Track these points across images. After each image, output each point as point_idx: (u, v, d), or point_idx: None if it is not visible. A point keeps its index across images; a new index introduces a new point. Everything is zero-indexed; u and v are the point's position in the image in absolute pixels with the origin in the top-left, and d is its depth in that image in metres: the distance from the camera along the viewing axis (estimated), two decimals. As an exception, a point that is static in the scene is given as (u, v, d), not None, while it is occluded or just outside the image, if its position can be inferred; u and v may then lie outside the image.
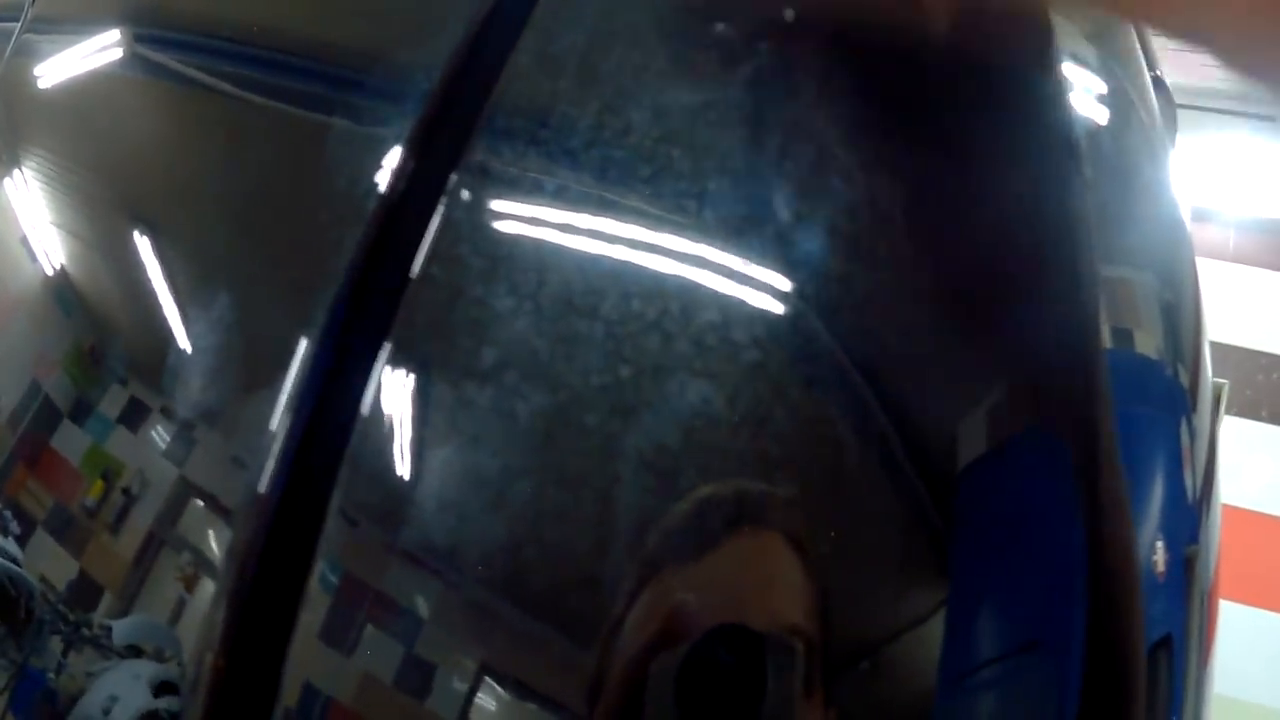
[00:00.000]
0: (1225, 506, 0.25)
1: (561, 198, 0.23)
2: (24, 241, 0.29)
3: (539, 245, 0.23)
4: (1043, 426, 0.22)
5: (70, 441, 0.26)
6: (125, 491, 0.25)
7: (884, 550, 0.21)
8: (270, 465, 0.22)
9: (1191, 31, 0.19)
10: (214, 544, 0.24)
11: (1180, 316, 0.25)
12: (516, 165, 0.23)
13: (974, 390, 0.22)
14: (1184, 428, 0.23)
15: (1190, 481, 0.23)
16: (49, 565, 0.26)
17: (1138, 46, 0.28)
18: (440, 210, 0.23)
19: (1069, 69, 0.24)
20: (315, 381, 0.23)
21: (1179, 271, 0.25)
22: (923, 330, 0.22)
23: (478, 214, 0.23)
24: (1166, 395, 0.23)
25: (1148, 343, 0.23)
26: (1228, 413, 2.44)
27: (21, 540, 0.26)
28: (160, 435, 0.25)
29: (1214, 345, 0.27)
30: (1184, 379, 0.24)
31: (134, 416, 0.25)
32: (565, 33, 0.24)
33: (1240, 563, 2.17)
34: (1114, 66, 0.26)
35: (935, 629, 0.20)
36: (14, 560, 0.26)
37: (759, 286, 0.22)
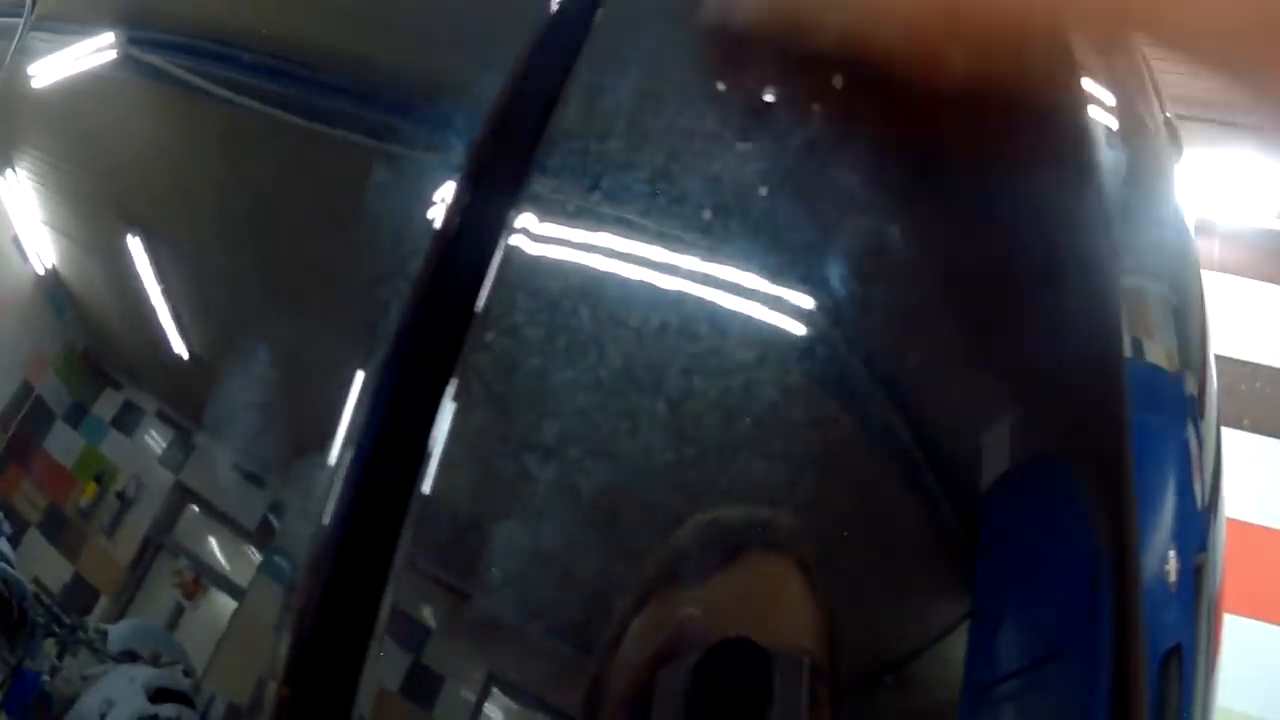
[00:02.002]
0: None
1: (618, 239, 0.23)
2: (24, 241, 0.29)
3: (602, 282, 0.23)
4: (1066, 440, 0.22)
5: (63, 444, 0.26)
6: (120, 495, 0.25)
7: (906, 566, 0.21)
8: (333, 498, 0.22)
9: (1180, 40, 0.19)
10: (221, 556, 0.24)
11: (1188, 322, 0.25)
12: (574, 203, 0.23)
13: (997, 405, 0.22)
14: (1193, 434, 0.23)
15: (1199, 489, 0.23)
16: (42, 567, 0.26)
17: (1141, 58, 0.29)
18: (502, 244, 0.23)
19: (1081, 80, 0.24)
20: (376, 414, 0.22)
21: (1186, 277, 0.26)
22: (943, 347, 0.22)
23: (540, 249, 0.23)
24: (1176, 402, 0.23)
25: (1158, 350, 0.23)
26: (1211, 421, 2.45)
27: (14, 541, 0.26)
28: (156, 440, 0.25)
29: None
30: (1192, 386, 0.24)
31: (129, 421, 0.25)
32: (614, 81, 0.24)
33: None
34: (1122, 78, 0.26)
35: (958, 644, 0.20)
36: (7, 561, 0.26)
37: (782, 309, 0.22)
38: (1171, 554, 0.21)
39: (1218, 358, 0.26)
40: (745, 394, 0.21)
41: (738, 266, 0.22)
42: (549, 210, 0.23)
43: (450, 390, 0.22)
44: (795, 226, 0.23)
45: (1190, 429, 0.23)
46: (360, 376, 0.23)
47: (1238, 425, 2.55)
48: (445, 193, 0.24)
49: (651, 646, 0.20)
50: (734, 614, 0.21)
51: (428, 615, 0.22)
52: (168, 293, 0.26)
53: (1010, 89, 0.23)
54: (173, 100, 0.29)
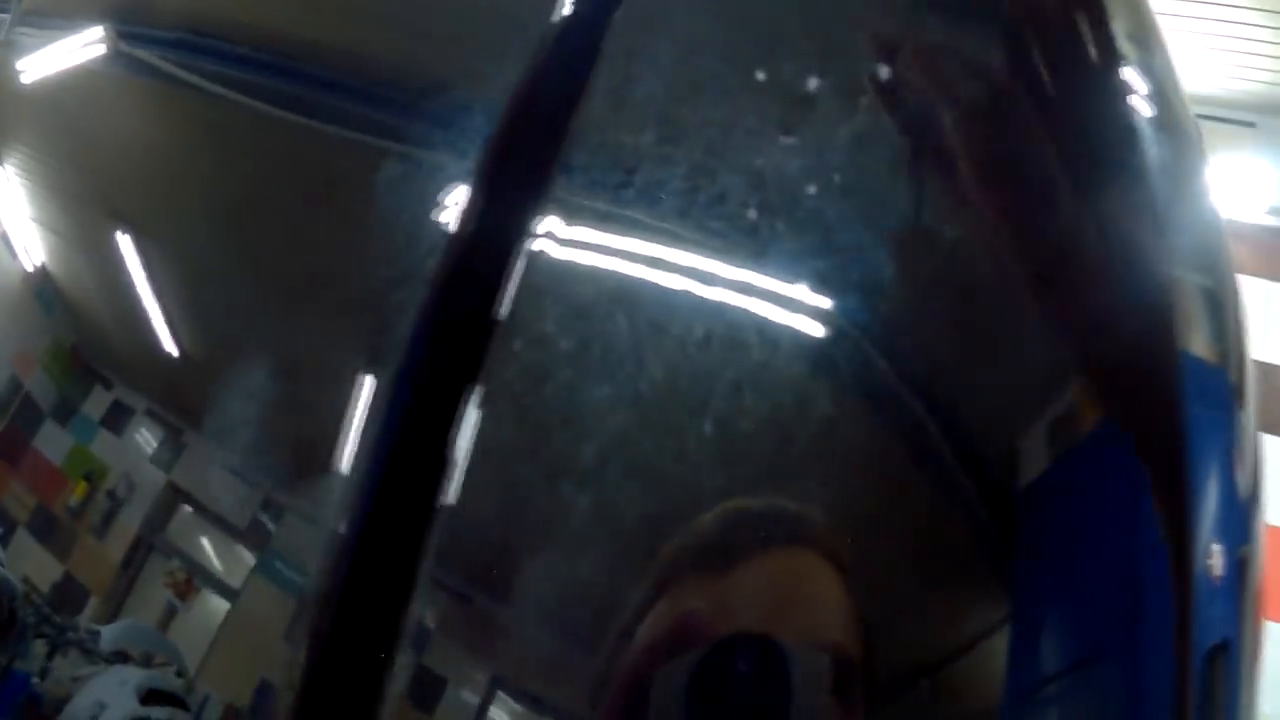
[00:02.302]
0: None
1: (648, 243, 0.22)
2: (12, 237, 0.28)
3: (635, 288, 0.22)
4: (1126, 433, 0.21)
5: (52, 442, 0.26)
6: (111, 494, 0.25)
7: (945, 566, 0.21)
8: (348, 505, 0.21)
9: None
10: (216, 558, 0.23)
11: (1227, 313, 0.24)
12: (603, 203, 0.22)
13: (1049, 400, 0.21)
14: (1235, 425, 0.23)
15: (1243, 480, 0.23)
16: (32, 567, 0.25)
17: (1168, 47, 0.28)
18: (524, 249, 0.22)
19: (1124, 70, 0.24)
20: (393, 421, 0.22)
21: (1224, 269, 0.25)
22: (987, 337, 0.22)
23: (563, 254, 0.22)
24: (1221, 394, 0.23)
25: (1202, 342, 0.23)
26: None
27: (3, 541, 0.26)
28: (148, 440, 0.24)
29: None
30: (1235, 376, 0.24)
31: (119, 419, 0.25)
32: (642, 76, 0.23)
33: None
34: (1157, 66, 0.25)
35: (998, 647, 0.20)
36: (-3, 560, 0.25)
37: (829, 314, 0.21)
38: (1218, 547, 0.21)
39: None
40: (787, 398, 0.21)
41: (784, 269, 0.22)
42: (576, 212, 0.22)
43: (474, 399, 0.21)
44: (844, 227, 0.22)
45: (1234, 420, 0.23)
46: (373, 382, 0.22)
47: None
48: (460, 194, 0.23)
49: (670, 641, 0.20)
50: (759, 610, 0.20)
51: (452, 625, 0.21)
52: (160, 291, 0.25)
53: (1059, 77, 0.22)
54: (166, 96, 0.28)
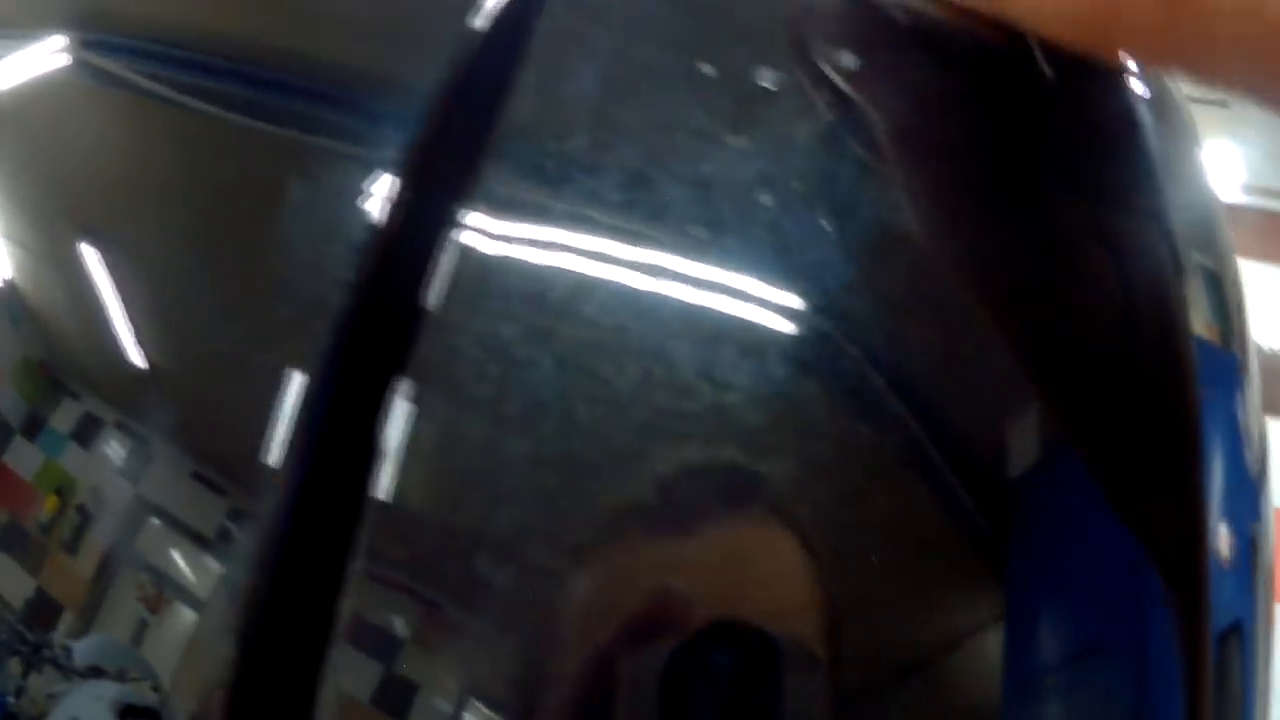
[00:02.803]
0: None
1: (579, 234, 0.22)
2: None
3: (560, 282, 0.21)
4: (1137, 415, 0.21)
5: (22, 457, 0.25)
6: (80, 509, 0.24)
7: (933, 557, 0.20)
8: (278, 500, 0.21)
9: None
10: (182, 566, 0.23)
11: (1227, 289, 0.24)
12: (530, 199, 0.22)
13: (1053, 382, 0.21)
14: (1240, 404, 0.23)
15: (1250, 458, 0.23)
16: (4, 583, 0.25)
17: None
18: (452, 239, 0.22)
19: None
20: (318, 415, 0.21)
21: (1221, 244, 0.25)
22: (977, 319, 0.21)
23: (492, 245, 0.22)
24: (1225, 373, 0.23)
25: (1201, 320, 0.22)
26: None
27: None
28: (115, 452, 0.24)
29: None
30: (1238, 354, 0.24)
31: (88, 433, 0.24)
32: (577, 64, 0.23)
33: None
34: None
35: (995, 638, 0.19)
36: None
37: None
38: (1228, 528, 0.21)
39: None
40: (737, 379, 0.20)
41: (729, 255, 0.21)
42: (505, 203, 0.22)
43: (403, 390, 0.21)
44: (801, 212, 0.21)
45: (1238, 398, 0.23)
46: (302, 378, 0.22)
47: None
48: (387, 186, 0.22)
49: (625, 626, 0.19)
50: (727, 590, 0.19)
51: (387, 619, 0.21)
52: (119, 300, 0.25)
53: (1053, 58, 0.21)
54: (117, 104, 0.28)
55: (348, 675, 0.20)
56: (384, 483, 0.20)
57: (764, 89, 0.22)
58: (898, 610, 0.20)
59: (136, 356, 0.24)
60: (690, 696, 0.19)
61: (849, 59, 0.22)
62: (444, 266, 0.21)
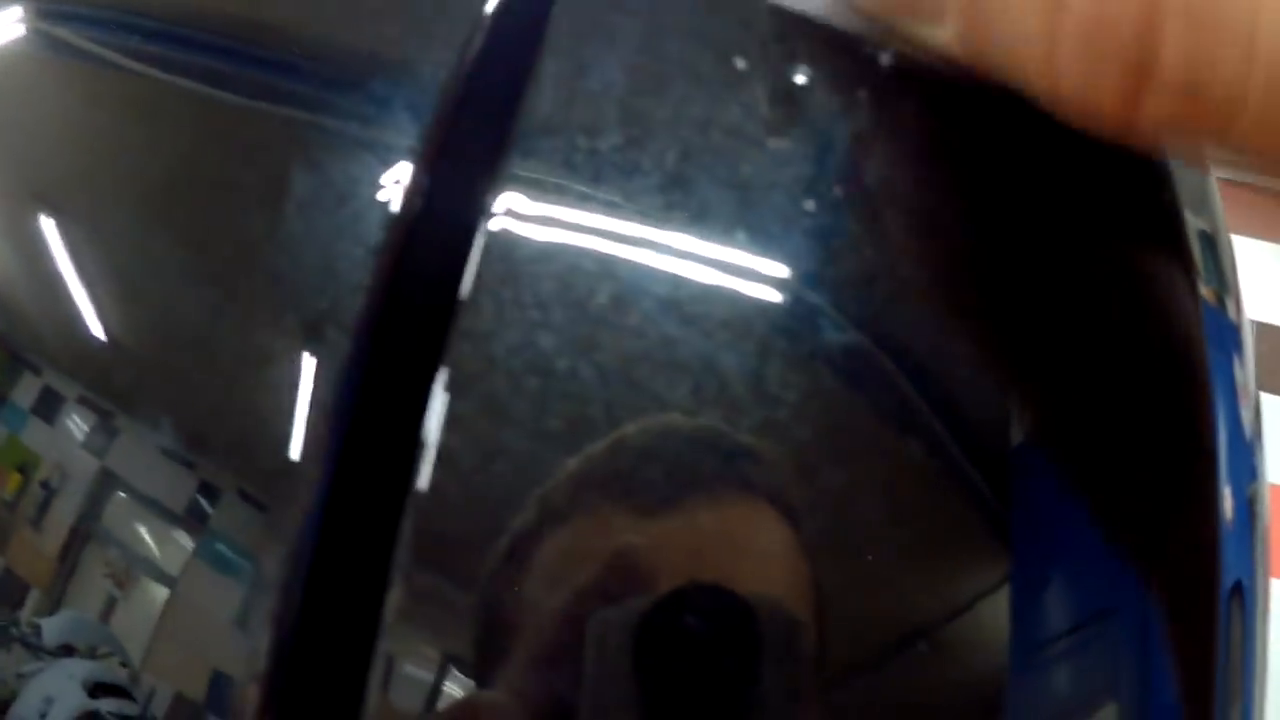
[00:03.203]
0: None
1: (604, 216, 0.21)
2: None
3: (594, 265, 0.21)
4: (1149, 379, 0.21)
5: None
6: (45, 485, 0.23)
7: (932, 524, 0.20)
8: (311, 493, 0.21)
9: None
10: (151, 544, 0.22)
11: (1220, 248, 0.24)
12: (555, 182, 0.21)
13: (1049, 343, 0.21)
14: (1238, 364, 0.23)
15: (1247, 418, 0.23)
16: None
17: None
18: (482, 230, 0.21)
19: None
20: (356, 405, 0.21)
21: (1213, 202, 0.25)
22: (971, 286, 0.21)
23: (521, 230, 0.21)
24: (1222, 333, 0.23)
25: (1203, 283, 0.22)
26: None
27: None
28: (78, 427, 0.23)
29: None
30: (1234, 313, 0.23)
31: (50, 408, 0.24)
32: (599, 60, 0.22)
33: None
34: None
35: (997, 607, 0.19)
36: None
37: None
38: (1227, 490, 0.21)
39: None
40: (761, 359, 0.20)
41: (754, 238, 0.21)
42: (532, 187, 0.21)
43: (442, 380, 0.20)
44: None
45: (1236, 359, 0.23)
46: (330, 365, 0.21)
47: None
48: (406, 172, 0.22)
49: (595, 584, 0.19)
50: (710, 559, 0.19)
51: (433, 615, 0.20)
52: (86, 275, 0.24)
53: None
54: (87, 76, 0.27)
55: (398, 665, 0.20)
56: (424, 476, 0.20)
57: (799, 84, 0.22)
58: (893, 579, 0.20)
59: (100, 332, 0.23)
60: (668, 661, 0.19)
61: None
62: (473, 255, 0.21)
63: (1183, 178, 0.23)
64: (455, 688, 0.20)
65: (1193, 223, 0.23)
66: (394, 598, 0.20)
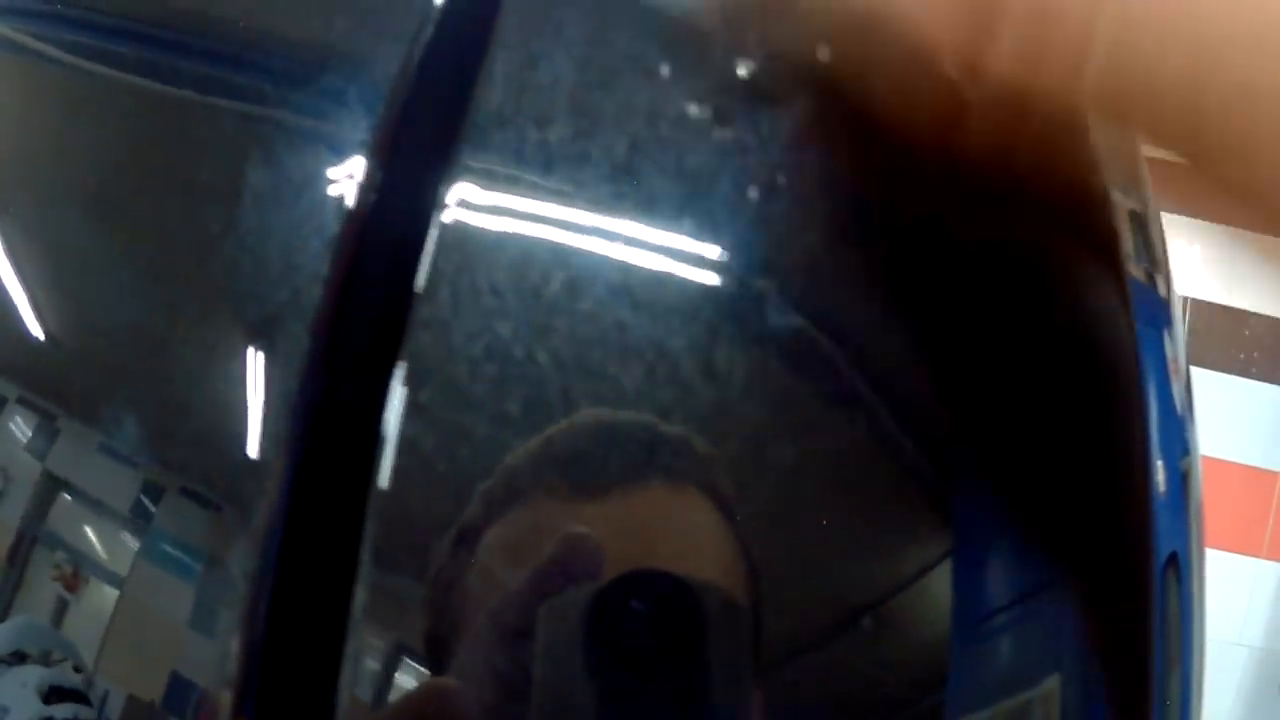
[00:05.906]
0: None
1: (555, 205, 0.22)
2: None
3: (546, 253, 0.21)
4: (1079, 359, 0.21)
5: None
6: None
7: (872, 503, 0.21)
8: (272, 492, 0.21)
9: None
10: (98, 545, 0.22)
11: (1149, 226, 0.24)
12: (508, 173, 0.22)
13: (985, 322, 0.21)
14: (1168, 340, 0.23)
15: (1178, 392, 0.23)
16: None
17: None
18: (436, 222, 0.21)
19: None
20: (317, 403, 0.21)
21: (1141, 179, 0.25)
22: (906, 270, 0.21)
23: (473, 221, 0.21)
24: (1151, 308, 0.23)
25: (1133, 260, 0.23)
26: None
27: None
28: (21, 429, 0.23)
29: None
30: (1163, 290, 0.24)
31: None
32: (549, 53, 0.22)
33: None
34: None
35: (941, 581, 0.20)
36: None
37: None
38: (1159, 462, 0.21)
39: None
40: (712, 346, 0.20)
41: (704, 226, 0.21)
42: (485, 178, 0.22)
43: (399, 375, 0.20)
44: (760, 180, 0.21)
45: (1164, 333, 0.23)
46: (286, 362, 0.21)
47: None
48: (358, 165, 0.22)
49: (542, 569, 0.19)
50: (649, 545, 0.20)
51: (398, 610, 0.21)
52: (28, 275, 0.24)
53: None
54: (28, 72, 0.27)
55: (367, 662, 0.20)
56: (386, 470, 0.20)
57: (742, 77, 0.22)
58: (838, 558, 0.20)
59: (42, 331, 0.23)
60: (616, 643, 0.19)
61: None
62: (428, 246, 0.21)
63: (1112, 160, 0.24)
64: (417, 678, 0.20)
65: (1122, 203, 0.23)
66: (361, 595, 0.20)
